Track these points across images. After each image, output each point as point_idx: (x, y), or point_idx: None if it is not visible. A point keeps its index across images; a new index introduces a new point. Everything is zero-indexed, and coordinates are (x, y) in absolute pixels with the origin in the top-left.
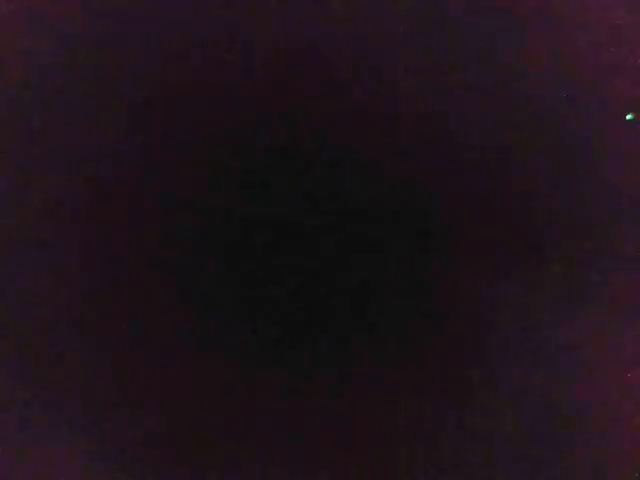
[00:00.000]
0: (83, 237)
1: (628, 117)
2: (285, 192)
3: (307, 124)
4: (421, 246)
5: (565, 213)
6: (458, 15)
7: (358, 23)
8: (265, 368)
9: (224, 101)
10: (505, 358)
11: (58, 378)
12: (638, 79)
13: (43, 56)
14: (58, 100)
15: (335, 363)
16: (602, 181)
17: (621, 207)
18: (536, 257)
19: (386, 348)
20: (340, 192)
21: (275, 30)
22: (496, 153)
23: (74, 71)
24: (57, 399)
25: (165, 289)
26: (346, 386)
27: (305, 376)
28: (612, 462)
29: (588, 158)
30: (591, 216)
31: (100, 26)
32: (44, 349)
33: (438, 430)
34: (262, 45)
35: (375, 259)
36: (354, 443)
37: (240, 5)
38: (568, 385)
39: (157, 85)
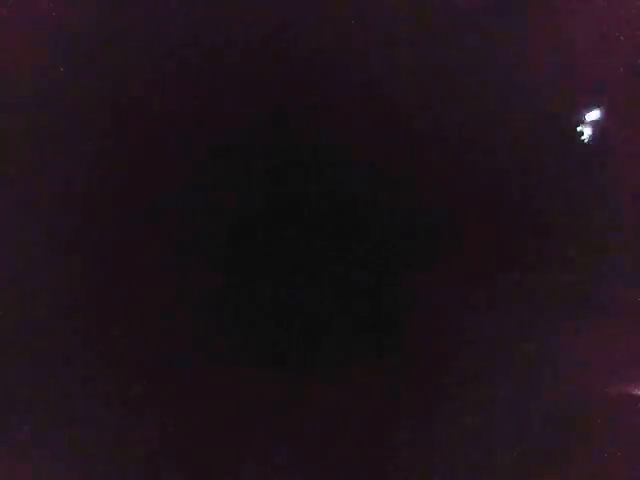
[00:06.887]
0: (83, 237)
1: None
2: (280, 192)
3: (305, 124)
4: (418, 246)
5: (567, 220)
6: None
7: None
8: (264, 368)
9: (223, 101)
10: (502, 365)
11: (58, 378)
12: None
13: (43, 56)
14: (58, 100)
15: (331, 364)
16: (604, 184)
17: (623, 215)
18: (537, 264)
19: (384, 348)
20: (336, 192)
21: (274, 30)
22: (495, 154)
23: (74, 71)
24: (57, 399)
25: (165, 289)
26: (344, 387)
27: (304, 376)
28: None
29: (589, 159)
30: (593, 224)
31: (100, 26)
32: (44, 349)
33: (437, 431)
34: (261, 46)
35: (375, 258)
36: (351, 444)
37: (239, 5)
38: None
39: (157, 84)
